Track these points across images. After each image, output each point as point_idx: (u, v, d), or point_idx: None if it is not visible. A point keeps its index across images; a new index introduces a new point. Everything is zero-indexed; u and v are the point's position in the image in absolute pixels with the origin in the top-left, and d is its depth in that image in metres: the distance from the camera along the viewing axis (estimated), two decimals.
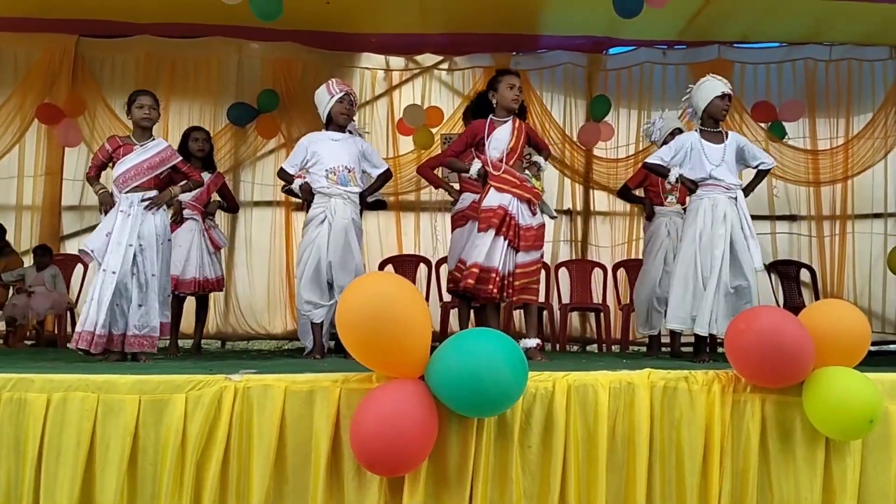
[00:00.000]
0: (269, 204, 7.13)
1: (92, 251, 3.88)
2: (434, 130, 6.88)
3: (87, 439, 2.69)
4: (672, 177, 4.15)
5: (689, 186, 4.15)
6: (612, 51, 7.29)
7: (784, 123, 6.94)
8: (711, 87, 4.16)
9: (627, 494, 2.86)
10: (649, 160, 4.29)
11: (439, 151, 6.95)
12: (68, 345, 4.00)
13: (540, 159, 4.27)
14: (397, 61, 7.30)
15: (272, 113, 6.87)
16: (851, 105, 7.18)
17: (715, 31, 6.80)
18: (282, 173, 4.40)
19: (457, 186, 5.08)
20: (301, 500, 2.72)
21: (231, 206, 5.50)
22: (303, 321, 4.60)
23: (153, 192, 4.03)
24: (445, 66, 7.30)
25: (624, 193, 5.48)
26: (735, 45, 7.10)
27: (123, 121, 6.70)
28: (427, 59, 7.27)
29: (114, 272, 3.83)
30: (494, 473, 2.77)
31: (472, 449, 2.74)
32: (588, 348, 6.90)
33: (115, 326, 3.88)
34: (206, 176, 5.03)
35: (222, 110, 6.89)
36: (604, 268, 6.76)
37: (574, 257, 7.13)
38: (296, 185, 4.36)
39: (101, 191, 4.06)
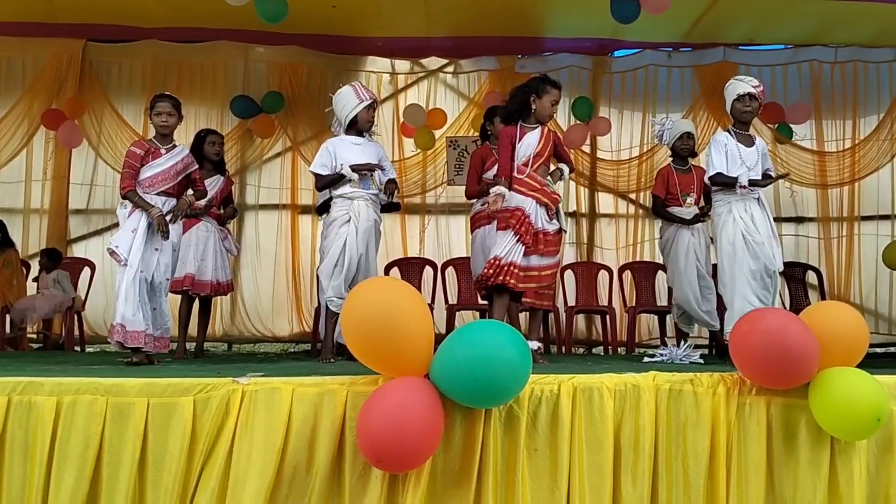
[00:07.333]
0: (275, 207, 7.16)
1: (117, 247, 3.87)
2: (439, 133, 6.89)
3: (96, 442, 2.70)
4: (743, 179, 4.06)
5: (762, 184, 4.13)
6: (616, 53, 7.30)
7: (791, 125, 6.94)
8: (732, 89, 4.22)
9: (634, 497, 2.85)
10: (714, 176, 4.18)
11: (444, 155, 6.99)
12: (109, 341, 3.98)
13: (564, 167, 4.26)
14: (403, 65, 7.32)
15: (273, 114, 6.88)
16: (858, 107, 7.17)
17: (720, 34, 6.80)
18: (318, 178, 4.43)
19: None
20: (300, 501, 2.71)
21: (230, 211, 5.38)
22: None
23: (173, 200, 4.06)
24: (451, 69, 7.32)
25: (659, 208, 5.10)
26: (740, 47, 7.09)
27: (131, 125, 6.76)
28: (432, 62, 7.29)
29: (132, 267, 3.85)
30: (501, 476, 2.77)
31: (477, 450, 2.74)
32: (594, 350, 6.90)
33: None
34: (219, 179, 5.08)
35: (229, 114, 6.92)
36: (609, 270, 6.75)
37: (580, 259, 7.13)
38: (347, 171, 4.29)
39: (155, 211, 3.93)
